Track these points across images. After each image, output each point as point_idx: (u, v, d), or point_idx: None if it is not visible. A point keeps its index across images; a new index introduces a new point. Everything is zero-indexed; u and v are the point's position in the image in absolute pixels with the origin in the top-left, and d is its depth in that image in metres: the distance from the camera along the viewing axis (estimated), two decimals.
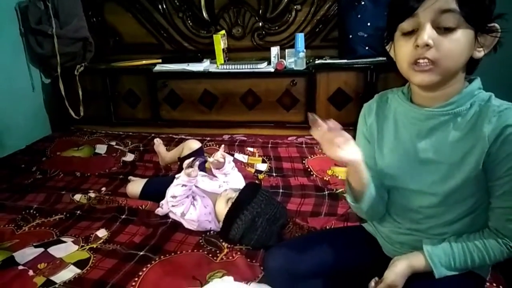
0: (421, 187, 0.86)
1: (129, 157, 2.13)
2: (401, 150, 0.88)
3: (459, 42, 0.72)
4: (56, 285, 1.12)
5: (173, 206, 1.37)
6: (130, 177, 1.85)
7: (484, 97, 0.79)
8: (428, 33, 0.71)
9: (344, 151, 0.80)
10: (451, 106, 0.80)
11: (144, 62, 2.54)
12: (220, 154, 1.48)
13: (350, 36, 2.20)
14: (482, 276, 0.89)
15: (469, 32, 0.72)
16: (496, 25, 0.74)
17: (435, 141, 0.83)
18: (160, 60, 2.51)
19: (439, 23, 0.71)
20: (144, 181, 1.68)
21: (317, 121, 0.81)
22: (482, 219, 0.84)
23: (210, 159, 1.48)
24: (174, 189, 1.35)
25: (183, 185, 1.34)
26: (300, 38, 2.19)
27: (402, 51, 0.77)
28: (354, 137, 0.86)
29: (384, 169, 0.92)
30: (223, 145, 1.61)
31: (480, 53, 0.76)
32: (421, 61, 0.74)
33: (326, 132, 0.80)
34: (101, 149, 2.20)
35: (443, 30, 0.71)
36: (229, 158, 1.57)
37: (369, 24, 2.14)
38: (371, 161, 0.94)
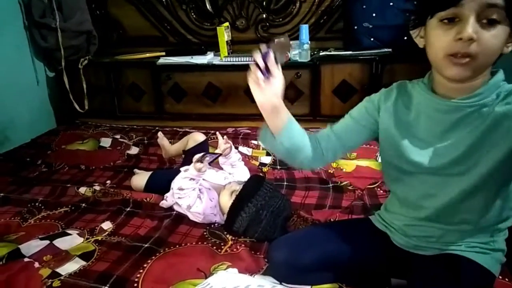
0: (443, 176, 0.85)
1: (134, 150, 2.14)
2: (425, 140, 0.86)
3: (499, 38, 0.71)
4: (62, 277, 1.13)
5: (179, 198, 1.37)
6: (135, 170, 1.85)
7: (508, 88, 0.78)
8: (473, 27, 0.70)
9: (265, 95, 0.85)
10: (477, 97, 0.78)
11: (147, 55, 2.53)
12: (223, 142, 1.48)
13: (355, 27, 2.17)
14: (492, 273, 0.88)
15: (506, 28, 0.71)
16: None
17: (460, 133, 0.81)
18: (163, 53, 2.50)
19: (483, 16, 0.70)
20: (148, 174, 1.68)
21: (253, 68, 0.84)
22: (504, 205, 0.84)
23: (218, 150, 1.48)
24: (182, 182, 1.35)
25: (191, 179, 1.34)
26: (305, 29, 2.17)
27: (441, 40, 0.74)
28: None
29: (404, 154, 0.88)
30: (217, 132, 1.59)
31: (509, 49, 0.75)
32: (461, 54, 0.72)
33: (257, 76, 0.84)
34: (106, 142, 2.21)
35: (486, 24, 0.70)
36: (234, 149, 1.57)
37: (374, 15, 2.12)
38: (348, 133, 0.97)
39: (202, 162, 1.33)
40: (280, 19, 2.47)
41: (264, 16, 2.48)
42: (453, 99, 0.80)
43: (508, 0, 0.69)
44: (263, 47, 0.85)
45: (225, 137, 1.53)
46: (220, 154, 1.48)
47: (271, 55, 0.85)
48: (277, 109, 0.90)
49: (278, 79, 0.87)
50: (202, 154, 1.36)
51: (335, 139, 0.98)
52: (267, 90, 0.86)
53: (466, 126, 0.80)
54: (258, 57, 0.85)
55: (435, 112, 0.84)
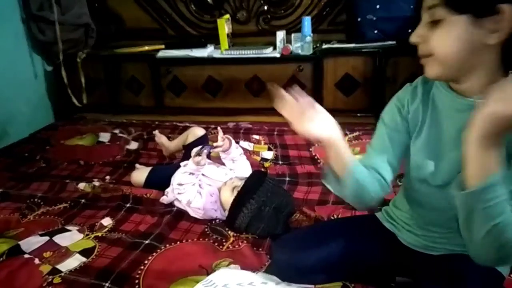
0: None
1: (133, 145, 2.12)
2: (441, 141, 0.82)
3: (447, 33, 0.70)
4: (62, 274, 1.12)
5: (179, 193, 1.35)
6: (136, 165, 1.83)
7: None
8: (416, 32, 0.74)
9: (316, 125, 0.76)
10: None
11: (146, 48, 2.51)
12: (220, 138, 1.47)
13: (359, 19, 2.14)
14: (501, 273, 0.86)
15: (461, 20, 0.68)
16: (504, 6, 0.65)
17: None
18: (163, 46, 2.47)
19: (430, 18, 0.72)
20: (148, 169, 1.66)
21: (280, 93, 0.76)
22: None
23: (215, 145, 1.46)
24: (181, 177, 1.33)
25: (190, 173, 1.32)
26: (307, 21, 2.14)
27: None
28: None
29: (417, 161, 0.85)
30: (219, 127, 1.58)
31: (493, 40, 0.68)
32: (422, 55, 0.75)
33: (295, 104, 0.77)
34: (105, 137, 2.18)
35: (431, 25, 0.72)
36: (235, 144, 1.55)
37: (378, 6, 2.09)
38: (392, 144, 0.87)
39: (200, 155, 1.31)
40: (282, 11, 2.43)
41: (266, 8, 2.44)
42: (471, 97, 0.76)
43: None
44: None
45: (222, 135, 1.50)
46: (220, 146, 1.46)
47: None
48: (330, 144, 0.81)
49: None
50: (200, 147, 1.34)
51: (382, 157, 0.88)
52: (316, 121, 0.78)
53: None
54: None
55: (455, 112, 0.79)
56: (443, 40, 0.71)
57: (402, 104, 0.88)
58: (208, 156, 1.60)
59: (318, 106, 0.76)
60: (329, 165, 0.85)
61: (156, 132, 1.93)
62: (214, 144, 1.47)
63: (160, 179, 1.52)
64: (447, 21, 0.70)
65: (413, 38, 0.74)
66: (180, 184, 1.33)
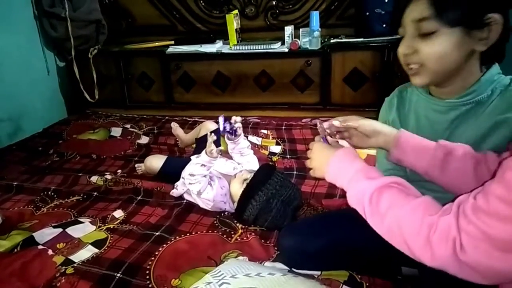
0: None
1: (144, 139, 2.15)
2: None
3: (440, 45, 0.72)
4: (75, 264, 1.15)
5: (190, 184, 1.37)
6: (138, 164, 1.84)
7: (505, 82, 0.78)
8: (404, 43, 0.76)
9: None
10: (471, 95, 0.79)
11: (157, 44, 2.53)
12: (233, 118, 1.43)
13: (367, 14, 2.13)
14: None
15: (453, 32, 0.71)
16: (495, 15, 0.70)
17: (457, 132, 0.81)
18: (172, 42, 2.49)
19: (418, 30, 0.74)
20: (164, 157, 1.68)
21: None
22: None
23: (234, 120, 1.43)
24: (193, 168, 1.35)
25: (202, 165, 1.34)
26: (315, 16, 2.13)
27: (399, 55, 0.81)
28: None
29: None
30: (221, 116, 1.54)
31: (482, 47, 0.73)
32: (410, 65, 0.78)
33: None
34: (116, 132, 2.22)
35: (422, 36, 0.74)
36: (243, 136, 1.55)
37: (386, 0, 2.07)
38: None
39: (214, 143, 1.31)
40: (290, 6, 2.43)
41: (274, 3, 2.44)
42: (448, 99, 0.82)
43: (440, 9, 0.70)
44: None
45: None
46: (231, 126, 1.42)
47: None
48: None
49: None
50: (213, 131, 1.35)
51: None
52: None
53: (463, 125, 0.81)
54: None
55: (433, 113, 0.85)
56: (436, 51, 0.73)
57: (384, 121, 0.95)
58: (218, 140, 1.57)
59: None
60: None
61: (174, 123, 1.97)
62: (233, 119, 1.42)
63: (174, 170, 1.53)
64: (438, 34, 0.72)
65: (402, 50, 0.77)
66: (191, 175, 1.35)
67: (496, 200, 0.49)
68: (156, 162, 1.65)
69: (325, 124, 0.85)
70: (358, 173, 0.68)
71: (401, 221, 0.59)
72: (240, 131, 1.46)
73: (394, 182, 0.65)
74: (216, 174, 1.44)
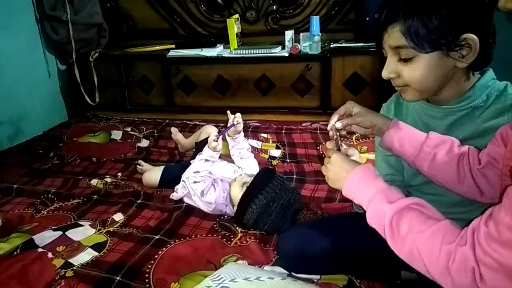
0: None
1: (144, 143, 2.15)
2: None
3: (420, 68, 0.74)
4: (75, 267, 1.15)
5: (194, 182, 1.36)
6: (140, 161, 1.84)
7: (499, 87, 0.79)
8: (387, 68, 0.78)
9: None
10: (467, 100, 0.80)
11: (157, 47, 2.54)
12: (231, 117, 1.44)
13: (367, 18, 2.14)
14: None
15: (431, 55, 0.73)
16: (470, 35, 0.70)
17: (454, 136, 0.81)
18: (173, 46, 2.50)
19: (398, 55, 0.75)
20: (159, 168, 1.67)
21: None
22: None
23: (235, 121, 1.44)
24: (198, 165, 1.35)
25: (206, 160, 1.34)
26: (315, 21, 2.14)
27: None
28: None
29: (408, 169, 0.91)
30: (228, 111, 1.51)
31: (463, 63, 0.74)
32: (396, 86, 0.81)
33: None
34: (117, 135, 2.23)
35: (403, 61, 0.75)
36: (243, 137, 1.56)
37: None
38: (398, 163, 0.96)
39: (216, 141, 1.32)
40: (291, 11, 2.44)
41: (275, 7, 2.45)
42: (444, 105, 0.83)
43: (411, 39, 0.71)
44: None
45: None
46: (233, 125, 1.44)
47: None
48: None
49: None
50: (216, 133, 1.36)
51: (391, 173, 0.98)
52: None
53: (460, 129, 0.82)
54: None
55: (430, 119, 0.86)
56: (417, 74, 0.75)
57: None
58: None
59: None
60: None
61: (173, 129, 1.97)
62: (234, 120, 1.43)
63: (174, 176, 1.53)
64: (417, 58, 0.73)
65: (386, 74, 0.78)
66: (196, 172, 1.34)
67: (506, 229, 0.51)
68: (154, 175, 1.64)
69: (338, 125, 0.86)
70: (379, 194, 0.69)
71: (420, 247, 0.61)
72: (240, 127, 1.46)
73: (415, 203, 0.65)
74: (219, 177, 1.44)
